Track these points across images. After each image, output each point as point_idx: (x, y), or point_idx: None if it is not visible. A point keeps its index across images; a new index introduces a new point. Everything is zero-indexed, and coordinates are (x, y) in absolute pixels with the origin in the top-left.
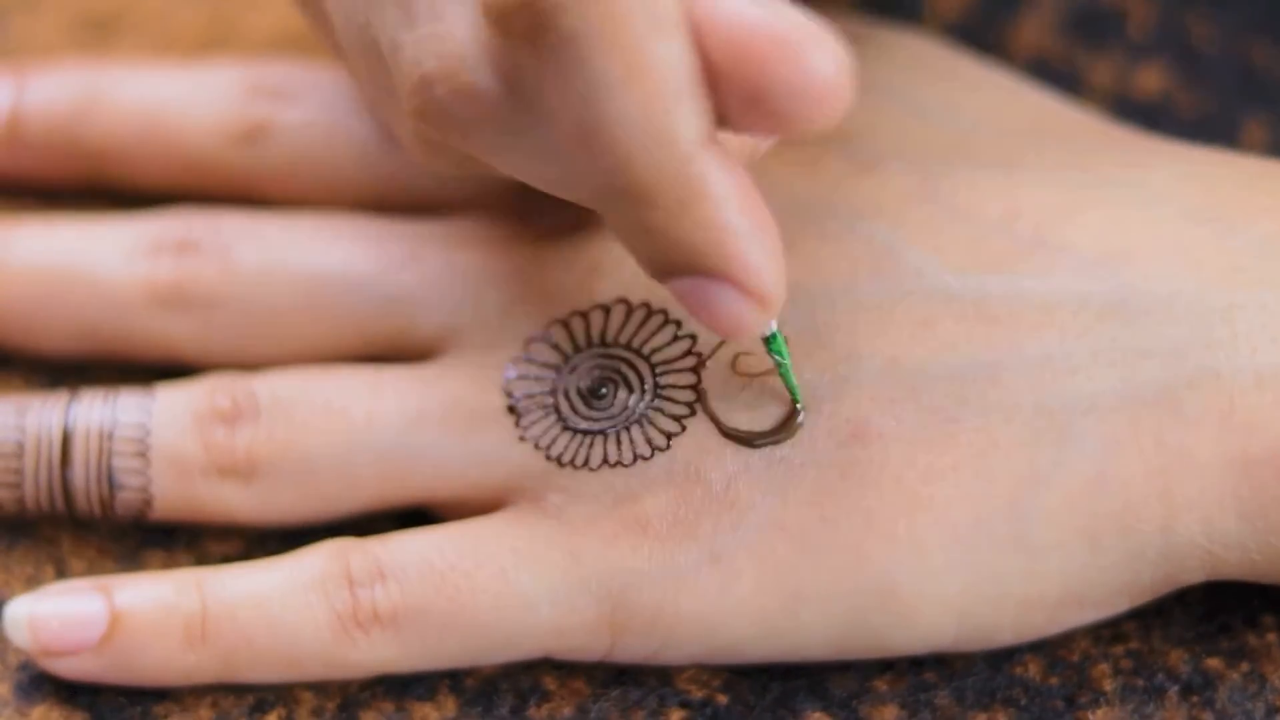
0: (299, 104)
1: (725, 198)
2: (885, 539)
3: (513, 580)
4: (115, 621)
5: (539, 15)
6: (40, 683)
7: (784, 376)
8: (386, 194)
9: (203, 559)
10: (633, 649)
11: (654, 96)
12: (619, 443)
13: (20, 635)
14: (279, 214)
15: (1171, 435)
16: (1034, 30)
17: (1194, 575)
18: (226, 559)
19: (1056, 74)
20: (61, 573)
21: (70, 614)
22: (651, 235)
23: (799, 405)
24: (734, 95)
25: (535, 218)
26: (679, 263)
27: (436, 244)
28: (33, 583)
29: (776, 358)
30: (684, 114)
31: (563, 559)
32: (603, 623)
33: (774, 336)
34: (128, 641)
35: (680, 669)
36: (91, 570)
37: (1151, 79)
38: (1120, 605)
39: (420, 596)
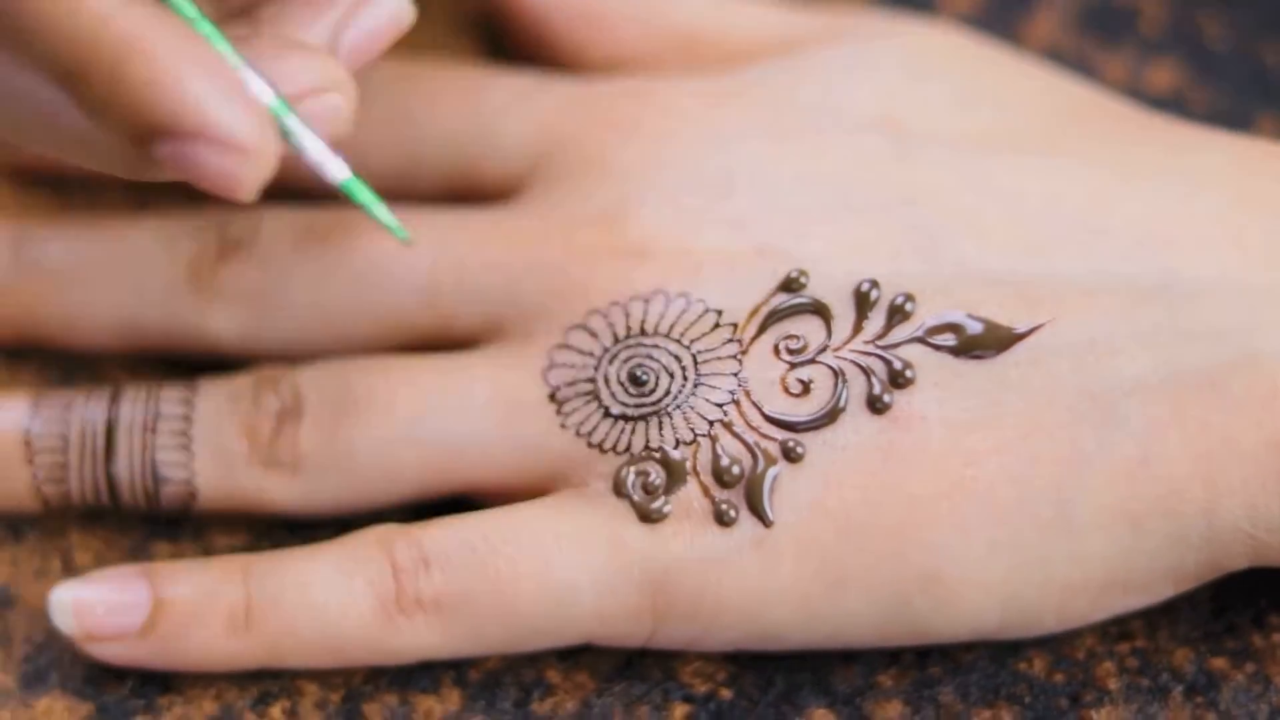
0: None
1: (164, 52)
2: (928, 523)
3: (555, 566)
4: (159, 608)
5: None
6: (45, 674)
7: (376, 217)
8: (418, 180)
9: (209, 551)
10: (675, 634)
11: None
12: (661, 429)
13: (65, 621)
14: (318, 208)
15: (1214, 418)
16: (1046, 26)
17: (1238, 561)
18: (233, 550)
19: (1069, 70)
20: (68, 564)
21: (114, 600)
22: (106, 108)
23: (402, 238)
24: None
25: (568, 208)
26: (145, 124)
27: (474, 234)
28: (40, 575)
29: (361, 204)
30: None
31: (605, 545)
32: (645, 608)
33: (347, 184)
34: (171, 628)
35: (684, 663)
36: (98, 562)
37: (1163, 76)
38: (1165, 591)
39: (463, 583)
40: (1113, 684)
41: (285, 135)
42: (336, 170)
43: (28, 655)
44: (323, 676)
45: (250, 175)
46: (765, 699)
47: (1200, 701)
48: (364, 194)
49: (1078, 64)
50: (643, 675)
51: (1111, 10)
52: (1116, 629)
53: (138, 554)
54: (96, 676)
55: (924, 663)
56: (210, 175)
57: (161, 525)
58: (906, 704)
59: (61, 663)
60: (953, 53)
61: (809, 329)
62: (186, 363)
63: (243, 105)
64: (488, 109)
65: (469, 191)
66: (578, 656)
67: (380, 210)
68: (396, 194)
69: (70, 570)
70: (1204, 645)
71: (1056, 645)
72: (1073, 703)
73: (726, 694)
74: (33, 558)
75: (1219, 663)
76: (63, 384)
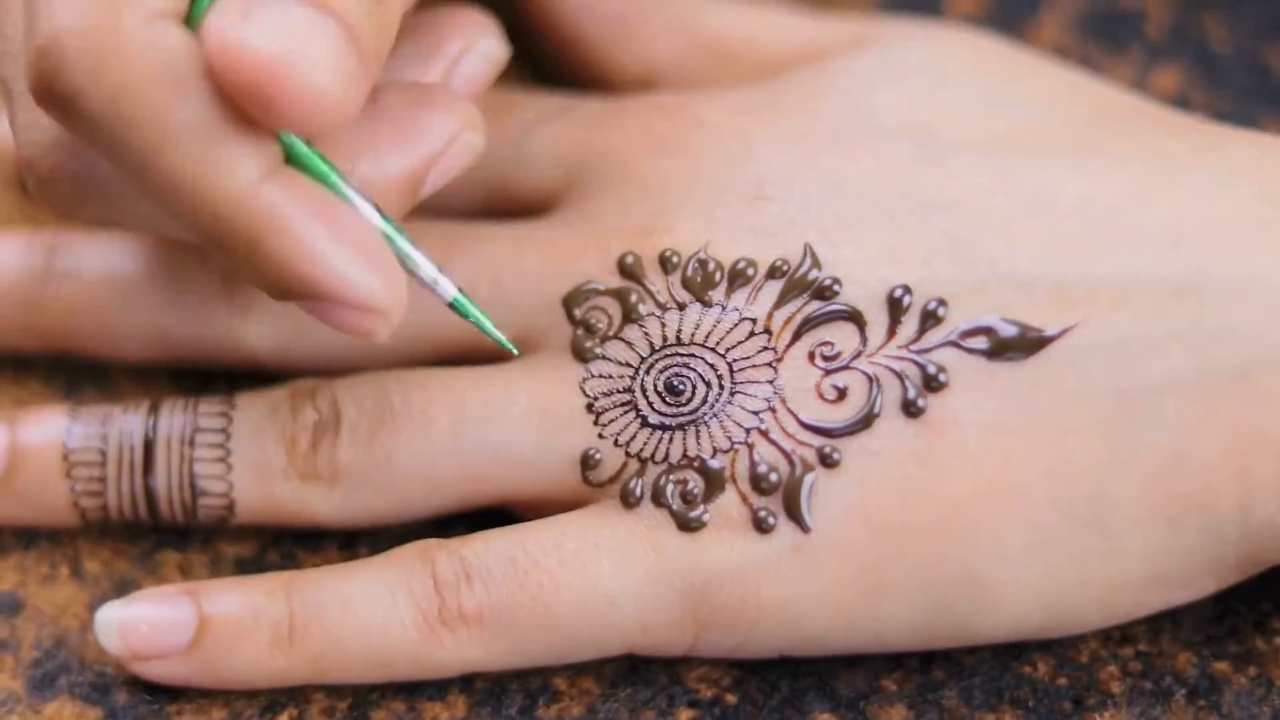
0: None
1: (299, 227)
2: (966, 525)
3: (596, 578)
4: (204, 626)
5: (63, 100)
6: (53, 679)
7: (487, 333)
8: (453, 195)
9: (216, 559)
10: (716, 643)
11: (189, 154)
12: (698, 438)
13: (110, 640)
14: None
15: (1247, 415)
16: (1052, 29)
17: (1277, 555)
18: (240, 560)
19: None
20: (76, 571)
21: (159, 619)
22: (247, 271)
23: (513, 350)
24: (250, 109)
25: (603, 221)
26: (284, 290)
27: (509, 246)
28: (48, 581)
29: (472, 320)
30: (227, 160)
31: (645, 554)
32: (687, 617)
33: (455, 302)
34: (216, 645)
35: (689, 668)
36: (106, 569)
37: (1168, 79)
38: (1207, 586)
39: (505, 596)
40: (1116, 687)
41: (400, 257)
42: (446, 288)
43: (36, 660)
44: (330, 684)
45: (384, 329)
46: (770, 703)
47: (1203, 705)
48: (473, 311)
49: (1083, 68)
50: (648, 680)
51: (1116, 14)
52: (1119, 632)
53: (145, 561)
54: (105, 682)
55: (928, 666)
56: (346, 329)
57: (169, 533)
58: (910, 708)
59: (70, 668)
60: (979, 56)
61: (843, 335)
62: (198, 375)
63: (376, 270)
64: (519, 124)
65: (503, 205)
66: (583, 662)
67: (490, 326)
68: (432, 210)
69: (78, 576)
70: (1206, 649)
71: (1059, 649)
72: (1076, 706)
73: (731, 699)
74: (41, 564)
75: (1221, 666)
76: (68, 393)
